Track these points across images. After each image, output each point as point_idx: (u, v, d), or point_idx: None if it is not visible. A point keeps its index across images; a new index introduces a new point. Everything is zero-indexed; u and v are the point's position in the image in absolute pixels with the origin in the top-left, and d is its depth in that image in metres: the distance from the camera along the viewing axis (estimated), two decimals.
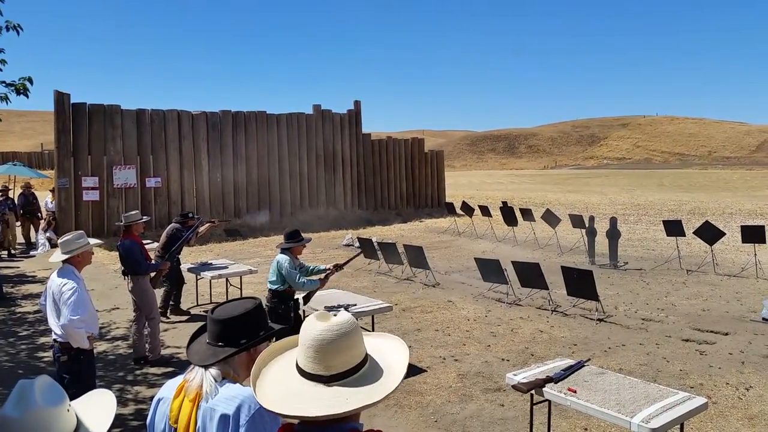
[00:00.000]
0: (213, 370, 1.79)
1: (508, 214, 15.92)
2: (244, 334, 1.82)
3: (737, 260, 11.67)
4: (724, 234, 11.53)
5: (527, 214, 15.58)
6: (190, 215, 8.78)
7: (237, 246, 15.18)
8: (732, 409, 4.93)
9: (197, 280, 9.10)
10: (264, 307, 1.91)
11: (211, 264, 9.15)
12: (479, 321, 7.80)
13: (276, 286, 5.63)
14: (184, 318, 8.34)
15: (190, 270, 8.81)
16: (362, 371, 1.48)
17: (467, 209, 17.98)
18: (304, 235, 5.95)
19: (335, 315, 1.52)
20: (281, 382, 1.52)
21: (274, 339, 1.86)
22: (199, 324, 2.03)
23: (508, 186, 42.73)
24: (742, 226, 11.71)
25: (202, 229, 8.27)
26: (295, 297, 5.84)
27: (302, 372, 1.48)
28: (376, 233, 16.62)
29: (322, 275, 5.90)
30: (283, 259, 5.61)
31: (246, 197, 18.35)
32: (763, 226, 11.50)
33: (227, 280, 8.74)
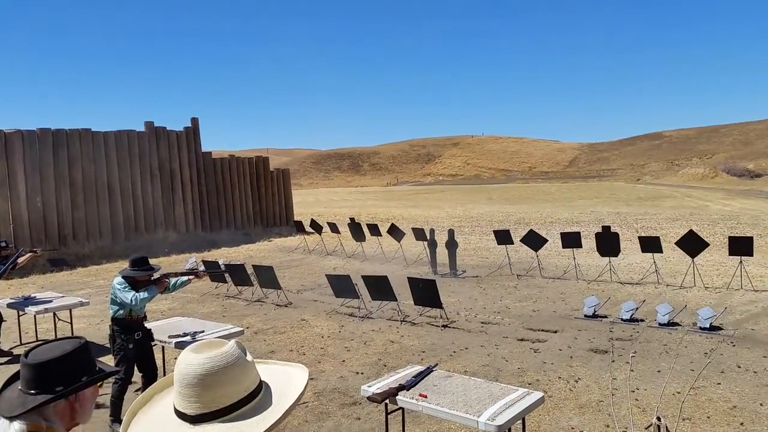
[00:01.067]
0: (17, 424, 1.56)
1: (356, 230, 16.25)
2: (61, 380, 1.61)
3: (560, 264, 12.97)
4: (546, 241, 12.76)
5: (374, 229, 16.00)
6: (3, 244, 7.80)
7: (64, 276, 13.80)
8: (565, 400, 5.44)
9: (19, 316, 8.11)
10: (88, 349, 1.71)
11: (34, 298, 8.18)
12: (333, 337, 7.83)
13: (115, 313, 5.16)
14: (4, 360, 7.36)
15: (9, 306, 7.82)
16: (245, 408, 1.36)
17: (316, 227, 18.05)
18: (153, 262, 5.42)
19: (218, 346, 1.38)
20: (159, 422, 1.39)
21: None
22: None
23: (354, 203, 43.61)
24: (561, 233, 13.05)
25: (21, 260, 7.38)
26: (146, 327, 5.36)
27: (175, 409, 1.37)
28: (223, 255, 16.04)
29: (185, 278, 5.50)
30: (117, 281, 5.16)
31: (72, 223, 16.75)
32: (579, 233, 12.91)
33: (55, 314, 7.88)
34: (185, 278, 5.53)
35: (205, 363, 1.33)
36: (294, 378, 1.50)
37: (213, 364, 1.34)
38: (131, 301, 5.00)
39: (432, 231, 13.24)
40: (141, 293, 5.06)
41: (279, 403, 1.41)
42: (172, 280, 5.45)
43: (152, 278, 5.27)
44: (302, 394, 1.45)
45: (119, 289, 5.07)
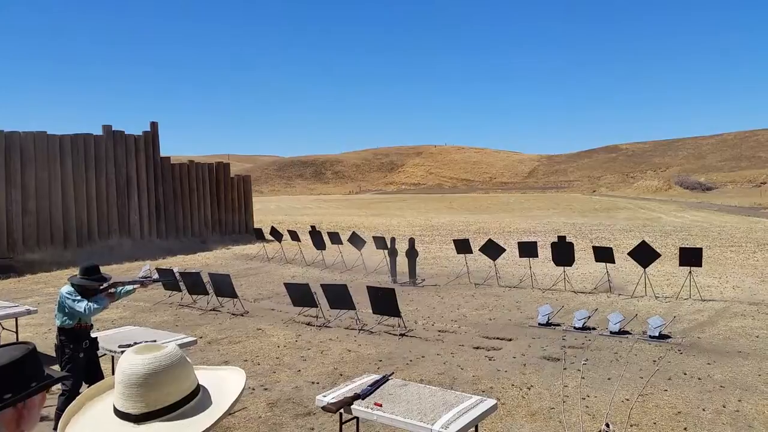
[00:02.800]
0: None
1: (316, 238, 16.16)
2: (9, 386, 1.57)
3: (516, 273, 13.16)
4: (504, 250, 12.94)
5: (335, 237, 15.96)
6: None
7: (11, 284, 13.33)
8: (517, 408, 5.51)
9: None
10: (37, 355, 1.68)
11: None
12: (289, 346, 7.76)
13: (63, 323, 5.00)
14: None
15: None
16: (186, 407, 1.40)
17: (276, 234, 17.89)
18: (104, 272, 5.27)
19: (159, 348, 1.42)
20: (98, 424, 1.41)
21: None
22: None
23: (316, 210, 43.47)
24: (519, 243, 13.25)
25: None
26: (93, 336, 5.22)
27: (116, 411, 1.38)
28: (179, 263, 15.75)
29: (130, 287, 5.37)
30: (65, 290, 5.01)
31: (22, 229, 16.20)
32: (536, 243, 13.14)
33: None
34: (130, 287, 5.40)
35: (149, 363, 1.37)
36: (230, 380, 1.56)
37: (157, 364, 1.38)
38: (84, 310, 4.87)
39: (393, 240, 13.29)
40: (93, 303, 4.93)
41: (219, 402, 1.47)
42: (118, 289, 5.33)
43: (101, 288, 5.14)
44: (242, 393, 1.51)
45: (70, 299, 4.93)
